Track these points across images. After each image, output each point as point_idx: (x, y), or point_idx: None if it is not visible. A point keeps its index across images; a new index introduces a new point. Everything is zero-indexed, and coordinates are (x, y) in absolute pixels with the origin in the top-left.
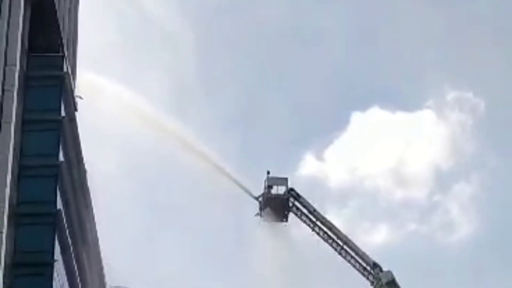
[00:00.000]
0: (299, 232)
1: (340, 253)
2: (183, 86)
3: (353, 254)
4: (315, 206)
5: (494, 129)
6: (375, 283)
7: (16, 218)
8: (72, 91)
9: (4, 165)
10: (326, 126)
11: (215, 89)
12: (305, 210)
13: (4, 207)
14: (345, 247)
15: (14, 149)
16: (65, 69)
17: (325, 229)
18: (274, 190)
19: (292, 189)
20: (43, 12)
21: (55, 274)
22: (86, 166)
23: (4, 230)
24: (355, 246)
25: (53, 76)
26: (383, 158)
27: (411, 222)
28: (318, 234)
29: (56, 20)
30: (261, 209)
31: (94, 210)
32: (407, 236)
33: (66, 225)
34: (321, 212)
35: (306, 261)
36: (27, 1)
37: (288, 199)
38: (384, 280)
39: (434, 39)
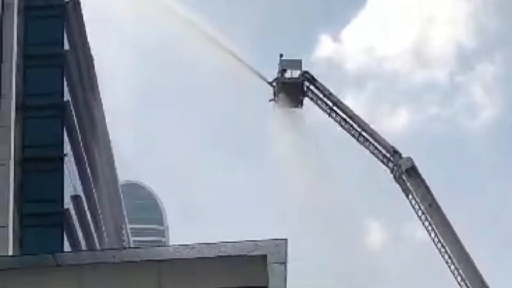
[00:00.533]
0: (315, 117)
1: (358, 139)
2: None
3: (371, 140)
4: (332, 90)
5: None
6: (394, 170)
7: (23, 111)
8: None
9: (8, 55)
10: (342, 4)
11: None
12: (320, 94)
13: (10, 100)
14: (363, 133)
15: (18, 39)
16: None
17: (341, 114)
18: (287, 74)
19: (306, 72)
20: None
21: (65, 169)
22: (92, 53)
23: (12, 125)
24: (374, 131)
25: None
26: (402, 37)
27: (432, 105)
28: (334, 119)
29: None
30: (275, 94)
31: (103, 100)
32: (428, 120)
33: (74, 117)
34: (338, 96)
35: (322, 147)
36: None
37: (302, 83)
38: (404, 167)
39: None
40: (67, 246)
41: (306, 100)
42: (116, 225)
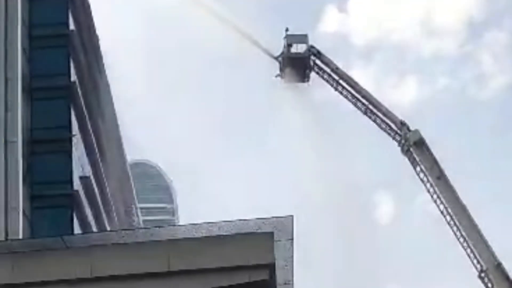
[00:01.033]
0: (322, 92)
1: (365, 113)
2: None
3: (378, 113)
4: (339, 63)
5: None
6: (402, 143)
7: (30, 93)
8: None
9: (14, 37)
10: None
11: None
12: (327, 69)
13: (17, 83)
14: (370, 106)
15: (23, 20)
16: None
17: (348, 88)
18: (293, 49)
19: (312, 47)
20: None
21: (73, 150)
22: (98, 33)
23: (19, 106)
24: (381, 105)
25: None
26: (410, 8)
27: (441, 76)
28: (341, 93)
29: None
30: (281, 69)
31: (110, 80)
32: (438, 91)
33: (81, 98)
34: (345, 70)
35: (330, 122)
36: None
37: (309, 58)
38: (412, 140)
39: None
40: (77, 228)
41: (312, 75)
42: (125, 205)
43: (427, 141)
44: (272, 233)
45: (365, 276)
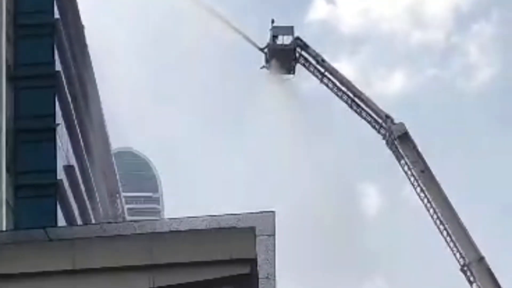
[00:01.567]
0: (308, 84)
1: (350, 106)
2: None
3: (363, 106)
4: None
5: None
6: (387, 136)
7: (15, 81)
8: None
9: None
10: None
11: None
12: (313, 61)
13: (1, 71)
14: (355, 99)
15: (7, 9)
16: None
17: (334, 80)
18: (279, 40)
19: (298, 38)
20: None
21: (57, 139)
22: (83, 21)
23: (3, 95)
24: (366, 97)
25: None
26: None
27: (429, 67)
28: (327, 85)
29: None
30: (267, 61)
31: (95, 69)
32: (426, 83)
33: (66, 87)
34: (333, 60)
35: (315, 114)
36: None
37: (294, 49)
38: (396, 133)
39: None
40: (61, 217)
41: (298, 67)
42: (110, 194)
43: (414, 133)
44: (253, 228)
45: (350, 268)
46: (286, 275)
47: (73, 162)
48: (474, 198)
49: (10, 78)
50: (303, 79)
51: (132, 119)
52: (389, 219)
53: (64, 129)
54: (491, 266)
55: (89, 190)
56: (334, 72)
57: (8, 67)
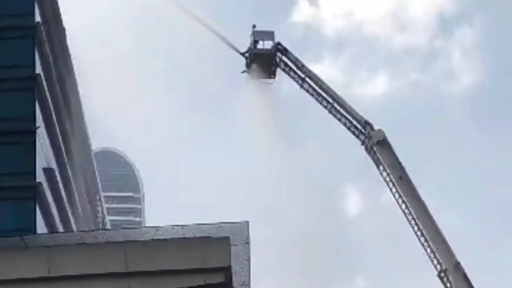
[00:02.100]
0: (288, 88)
1: (330, 111)
2: None
3: (343, 112)
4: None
5: None
6: (366, 142)
7: None
8: None
9: None
10: None
11: None
12: (293, 66)
13: None
14: (335, 104)
15: None
16: None
17: (314, 85)
18: (260, 45)
19: (279, 43)
20: None
21: (38, 141)
22: (64, 24)
23: None
24: (345, 103)
25: None
26: (381, 1)
27: (412, 71)
28: (307, 91)
29: None
30: (247, 65)
31: (76, 72)
32: (408, 86)
33: (47, 90)
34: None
35: (295, 119)
36: None
37: (275, 54)
38: (375, 139)
39: None
40: (40, 219)
41: (278, 71)
42: (90, 196)
43: (395, 136)
44: (228, 238)
45: (331, 271)
46: (262, 283)
47: (53, 164)
48: (453, 203)
49: None
50: (284, 82)
51: (114, 119)
52: (369, 222)
53: (45, 131)
54: (466, 271)
55: (69, 193)
56: (314, 78)
57: None
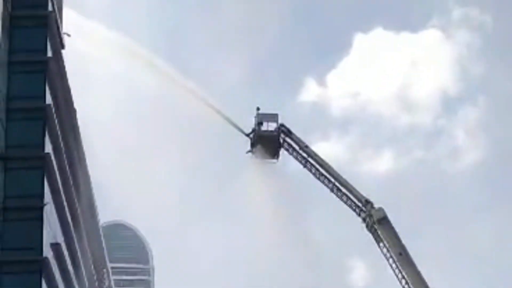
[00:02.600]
0: (292, 168)
1: (332, 190)
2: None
3: (344, 191)
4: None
5: (503, 48)
6: (367, 220)
7: (4, 162)
8: (58, 29)
9: None
10: (327, 49)
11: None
12: (296, 146)
13: None
14: (336, 183)
15: (0, 92)
16: (50, 8)
17: (316, 165)
18: (264, 127)
19: (282, 125)
20: None
21: (45, 218)
22: (75, 106)
23: None
24: (347, 182)
25: (38, 16)
26: (387, 82)
27: (416, 149)
28: (310, 170)
29: None
30: (252, 146)
31: (86, 151)
32: (412, 164)
33: (56, 168)
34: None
35: (298, 197)
36: None
37: (278, 136)
38: (375, 217)
39: None
40: None
41: (282, 152)
42: (97, 269)
43: (399, 213)
44: None
45: None
46: None
47: (60, 239)
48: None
49: (1, 159)
50: (291, 159)
51: (123, 192)
52: None
53: (53, 207)
54: None
55: (76, 266)
56: (316, 158)
57: None
